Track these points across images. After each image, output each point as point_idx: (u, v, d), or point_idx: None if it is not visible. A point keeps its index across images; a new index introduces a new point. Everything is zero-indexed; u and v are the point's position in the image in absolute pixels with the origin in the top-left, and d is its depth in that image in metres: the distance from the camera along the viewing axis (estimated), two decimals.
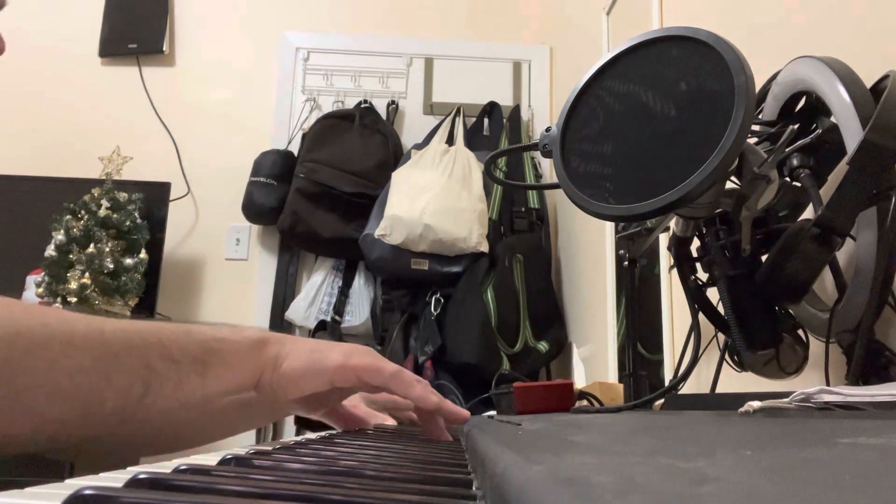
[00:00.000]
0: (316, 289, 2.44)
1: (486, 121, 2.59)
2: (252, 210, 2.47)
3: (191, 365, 0.47)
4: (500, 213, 2.32)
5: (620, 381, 1.59)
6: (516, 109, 2.65)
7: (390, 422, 0.85)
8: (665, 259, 1.45)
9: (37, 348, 0.38)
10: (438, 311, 2.17)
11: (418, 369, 2.11)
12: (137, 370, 0.43)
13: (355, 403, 0.76)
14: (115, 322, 0.44)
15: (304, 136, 2.53)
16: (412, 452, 0.45)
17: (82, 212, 2.13)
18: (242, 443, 0.57)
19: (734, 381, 0.86)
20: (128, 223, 2.16)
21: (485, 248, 2.18)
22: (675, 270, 0.83)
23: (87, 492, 0.21)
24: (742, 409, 0.50)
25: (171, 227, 2.39)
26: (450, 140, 2.47)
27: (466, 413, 0.63)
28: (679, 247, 0.82)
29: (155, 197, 2.35)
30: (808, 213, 0.73)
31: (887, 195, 0.63)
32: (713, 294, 0.79)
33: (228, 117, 2.68)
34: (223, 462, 0.33)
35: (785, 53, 0.80)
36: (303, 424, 0.91)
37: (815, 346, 0.76)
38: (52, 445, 0.40)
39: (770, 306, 0.74)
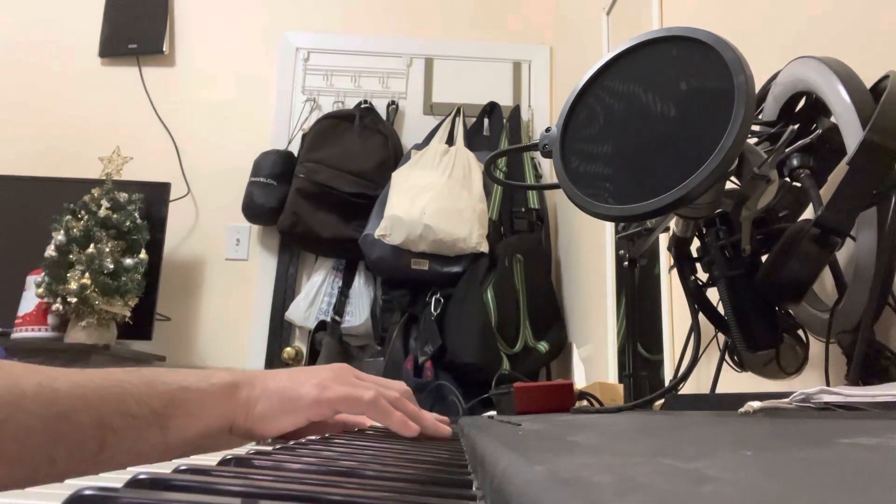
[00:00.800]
0: (316, 289, 2.44)
1: (486, 121, 2.59)
2: (252, 210, 2.47)
3: (151, 418, 0.46)
4: (500, 213, 2.32)
5: (620, 381, 1.59)
6: (516, 109, 2.65)
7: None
8: (665, 259, 1.45)
9: None
10: (438, 311, 2.17)
11: (418, 369, 2.11)
12: (91, 429, 0.41)
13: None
14: (70, 376, 0.42)
15: (304, 136, 2.53)
16: (412, 452, 0.45)
17: (82, 212, 2.13)
18: (242, 442, 0.57)
19: (734, 381, 0.86)
20: (128, 223, 2.16)
21: (485, 248, 2.18)
22: (675, 270, 0.83)
23: (87, 492, 0.21)
24: (742, 410, 0.50)
25: (171, 227, 2.39)
26: (450, 140, 2.47)
27: (447, 430, 0.62)
28: (679, 247, 0.82)
29: (155, 197, 2.35)
30: (808, 213, 0.73)
31: (887, 195, 0.63)
32: (713, 294, 0.79)
33: (228, 117, 2.69)
34: (223, 462, 0.33)
35: (785, 53, 0.80)
36: None
37: (815, 346, 0.76)
38: None
39: (770, 306, 0.74)
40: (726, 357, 0.83)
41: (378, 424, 0.79)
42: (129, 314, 2.13)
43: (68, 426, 0.40)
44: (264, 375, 0.58)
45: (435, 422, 0.61)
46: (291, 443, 0.50)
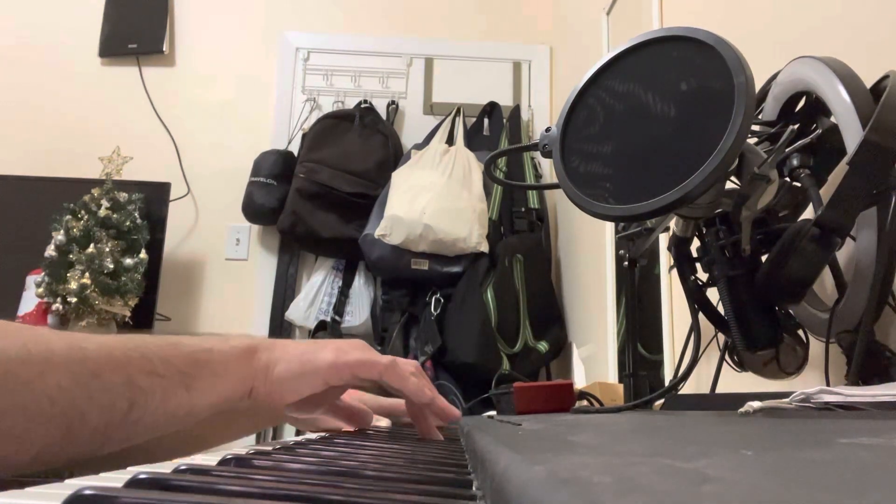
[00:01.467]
0: (316, 289, 2.44)
1: (486, 121, 2.59)
2: (252, 210, 2.47)
3: (176, 378, 0.46)
4: (500, 213, 2.32)
5: (620, 381, 1.59)
6: (516, 109, 2.65)
7: (384, 423, 0.85)
8: (665, 259, 1.45)
9: (14, 370, 0.37)
10: (438, 311, 2.17)
11: None
12: (120, 387, 0.42)
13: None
14: (96, 338, 0.43)
15: (304, 136, 2.53)
16: (412, 452, 0.45)
17: (82, 212, 2.13)
18: (242, 443, 0.57)
19: (734, 381, 0.86)
20: (128, 223, 2.16)
21: (485, 248, 2.18)
22: (675, 270, 0.83)
23: (87, 492, 0.21)
24: (742, 409, 0.50)
25: (171, 227, 2.39)
26: (450, 140, 2.47)
27: (457, 412, 0.63)
28: (679, 247, 0.82)
29: (155, 197, 2.35)
30: (808, 213, 0.73)
31: (887, 195, 0.63)
32: (713, 294, 0.79)
33: (228, 117, 2.69)
34: (223, 462, 0.33)
35: (785, 53, 0.80)
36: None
37: (815, 346, 0.76)
38: (35, 467, 0.39)
39: (770, 306, 0.74)
40: (726, 357, 0.83)
41: (380, 425, 0.79)
42: (129, 314, 2.13)
43: (99, 384, 0.41)
44: (283, 341, 0.58)
45: (445, 402, 0.62)
46: (291, 443, 0.50)
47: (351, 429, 0.69)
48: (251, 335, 0.58)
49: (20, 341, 0.38)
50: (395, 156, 2.49)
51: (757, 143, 0.77)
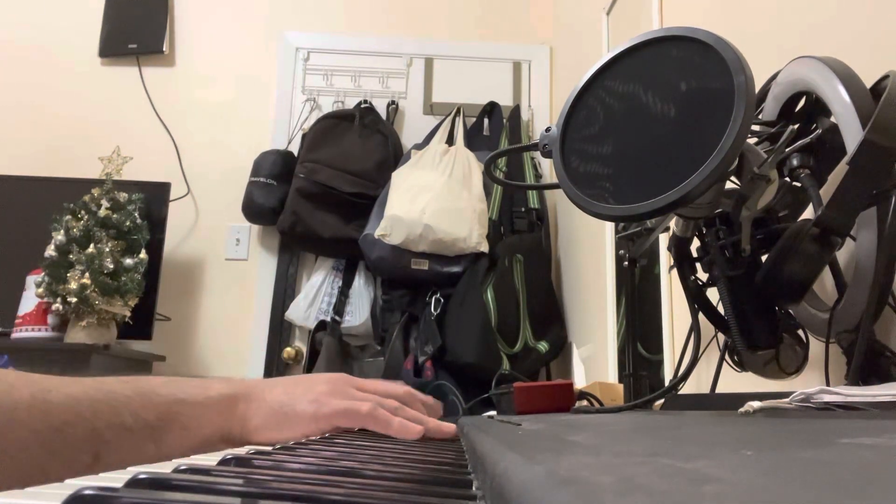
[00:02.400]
0: (316, 289, 2.44)
1: (486, 121, 2.59)
2: (252, 210, 2.47)
3: (145, 432, 0.45)
4: (500, 213, 2.32)
5: (620, 381, 1.59)
6: (516, 109, 2.65)
7: None
8: (665, 259, 1.45)
9: None
10: (438, 311, 2.17)
11: (418, 369, 2.11)
12: (84, 442, 0.41)
13: None
14: (64, 388, 0.41)
15: (304, 136, 2.53)
16: (412, 452, 0.45)
17: (82, 212, 2.13)
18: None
19: (734, 381, 0.86)
20: (128, 223, 2.16)
21: (485, 248, 2.18)
22: (675, 270, 0.83)
23: (87, 492, 0.21)
24: (742, 409, 0.50)
25: (171, 227, 2.39)
26: (450, 140, 2.47)
27: (451, 427, 0.62)
28: (679, 247, 0.82)
29: (155, 197, 2.35)
30: (808, 213, 0.73)
31: (887, 195, 0.63)
32: (713, 294, 0.79)
33: (228, 117, 2.69)
34: (223, 462, 0.33)
35: (785, 53, 0.80)
36: None
37: (815, 346, 0.76)
38: None
39: (770, 306, 0.74)
40: (726, 357, 0.83)
41: None
42: (129, 314, 2.13)
43: (62, 440, 0.40)
44: (262, 387, 0.57)
45: (437, 423, 0.61)
46: (291, 443, 0.50)
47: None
48: (232, 380, 0.56)
49: None
50: (395, 156, 2.49)
51: (757, 143, 0.77)
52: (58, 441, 0.40)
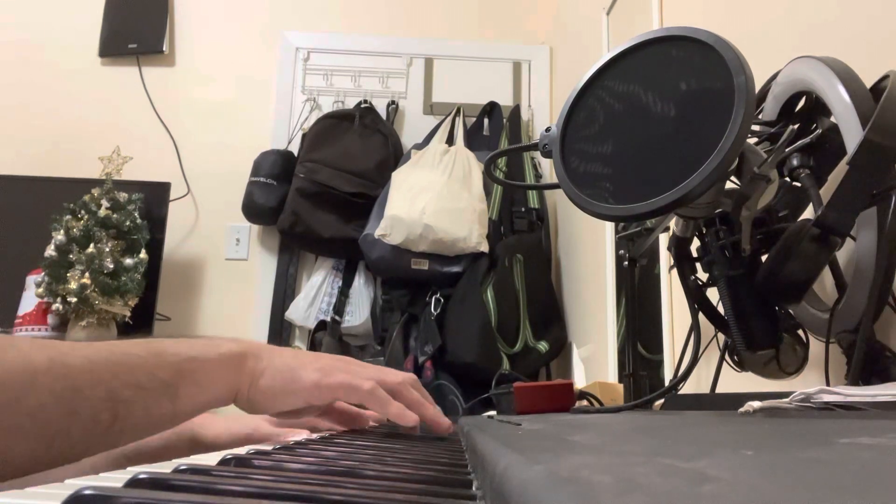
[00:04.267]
0: (316, 289, 2.44)
1: (486, 121, 2.59)
2: (252, 210, 2.47)
3: (160, 389, 0.46)
4: (500, 213, 2.32)
5: (620, 381, 1.59)
6: (516, 109, 2.65)
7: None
8: (665, 259, 1.45)
9: None
10: (438, 311, 2.17)
11: (418, 369, 2.11)
12: (103, 401, 0.42)
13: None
14: (79, 351, 0.42)
15: (304, 136, 2.53)
16: (412, 452, 0.45)
17: (82, 212, 2.13)
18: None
19: (734, 381, 0.86)
20: (128, 223, 2.16)
21: (485, 248, 2.18)
22: (675, 270, 0.83)
23: (87, 492, 0.21)
24: (742, 409, 0.50)
25: (171, 227, 2.39)
26: (450, 140, 2.47)
27: (447, 423, 0.63)
28: (679, 247, 0.82)
29: (155, 197, 2.35)
30: (808, 213, 0.73)
31: (887, 195, 0.63)
32: (713, 294, 0.79)
33: (228, 117, 2.69)
34: (223, 462, 0.33)
35: (785, 53, 0.80)
36: None
37: (815, 346, 0.76)
38: (17, 476, 0.39)
39: (770, 306, 0.74)
40: (726, 357, 0.83)
41: (378, 423, 0.79)
42: (128, 314, 2.13)
43: (81, 400, 0.41)
44: (270, 350, 0.58)
45: (436, 412, 0.62)
46: (291, 443, 0.50)
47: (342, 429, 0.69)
48: (240, 340, 0.57)
49: (1, 358, 0.38)
50: (395, 156, 2.49)
51: (757, 143, 0.77)
52: (78, 402, 0.41)
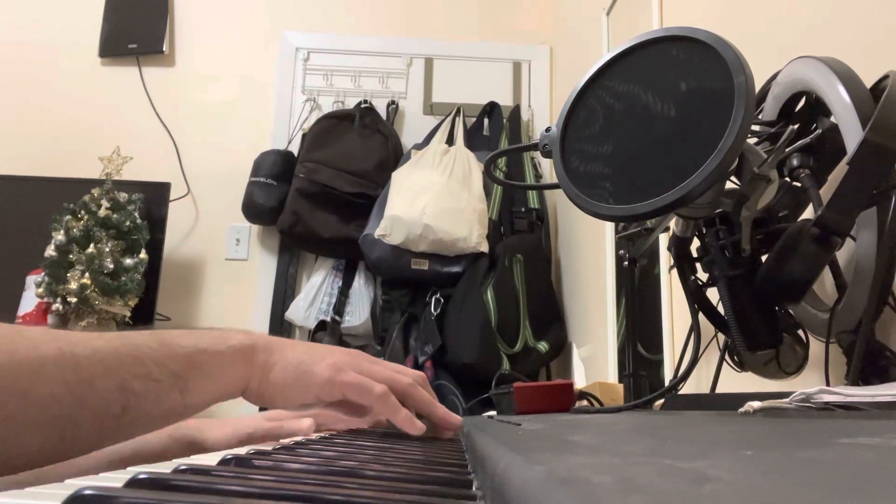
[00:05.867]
0: (316, 289, 2.44)
1: (486, 121, 2.59)
2: (252, 210, 2.47)
3: (171, 381, 0.46)
4: (500, 213, 2.32)
5: (620, 381, 1.59)
6: (516, 109, 2.65)
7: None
8: (665, 259, 1.45)
9: (4, 381, 0.36)
10: (438, 311, 2.17)
11: (418, 369, 2.10)
12: (113, 392, 0.42)
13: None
14: (89, 341, 0.42)
15: (304, 136, 2.53)
16: (412, 452, 0.45)
17: (82, 212, 2.13)
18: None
19: (734, 381, 0.86)
20: (128, 223, 2.16)
21: (485, 248, 2.18)
22: (675, 270, 0.83)
23: (87, 492, 0.21)
24: (742, 409, 0.50)
25: (171, 227, 2.39)
26: (450, 140, 2.47)
27: (458, 421, 0.62)
28: (679, 247, 0.82)
29: (155, 197, 2.35)
30: (808, 213, 0.73)
31: (887, 195, 0.63)
32: (713, 294, 0.79)
33: (228, 117, 2.69)
34: (223, 462, 0.33)
35: (785, 53, 0.80)
36: None
37: (815, 346, 0.76)
38: (28, 469, 0.39)
39: (770, 306, 0.74)
40: (726, 357, 0.83)
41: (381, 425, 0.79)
42: (129, 314, 2.13)
43: (91, 391, 0.40)
44: (282, 343, 0.58)
45: (445, 412, 0.62)
46: (291, 443, 0.50)
47: (345, 421, 0.68)
48: (251, 332, 0.57)
49: (10, 349, 0.37)
50: (395, 156, 2.49)
51: (757, 143, 0.77)
52: (88, 393, 0.40)
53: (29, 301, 2.13)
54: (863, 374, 0.64)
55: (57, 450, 0.39)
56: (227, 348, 0.52)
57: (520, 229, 2.33)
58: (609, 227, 1.79)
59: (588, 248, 2.07)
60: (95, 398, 0.41)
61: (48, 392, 0.38)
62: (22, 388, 0.37)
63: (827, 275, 0.76)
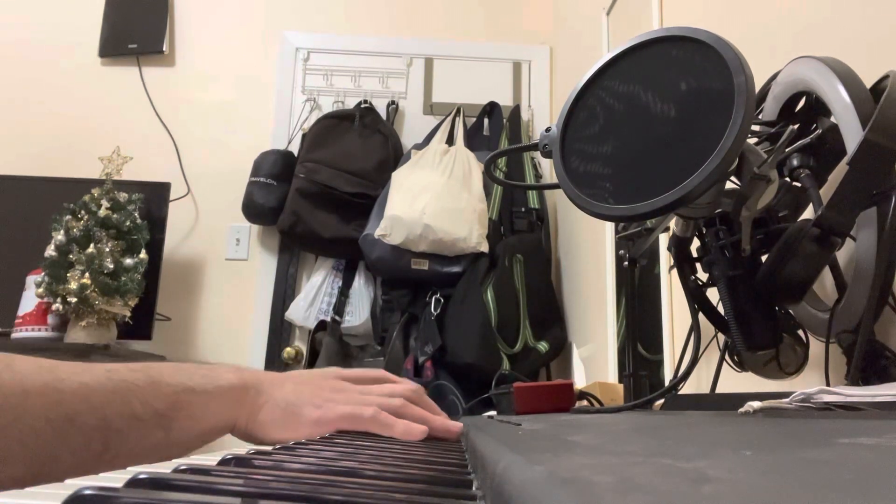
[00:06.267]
0: (316, 289, 2.44)
1: (486, 121, 2.59)
2: (252, 210, 2.47)
3: (155, 420, 0.46)
4: (500, 213, 2.32)
5: (620, 381, 1.59)
6: (516, 109, 2.65)
7: None
8: (665, 259, 1.45)
9: None
10: (438, 311, 2.17)
11: (418, 369, 2.11)
12: (95, 430, 0.41)
13: None
14: (77, 376, 0.42)
15: (304, 136, 2.53)
16: (412, 452, 0.45)
17: (82, 212, 2.13)
18: (242, 442, 0.57)
19: (734, 381, 0.86)
20: (128, 223, 2.16)
21: (485, 248, 2.18)
22: (675, 270, 0.83)
23: (87, 492, 0.21)
24: (742, 409, 0.50)
25: (171, 227, 2.39)
26: (450, 140, 2.47)
27: (457, 427, 0.62)
28: (679, 247, 0.82)
29: (155, 197, 2.35)
30: (808, 213, 0.73)
31: (887, 195, 0.63)
32: (713, 294, 0.79)
33: (228, 117, 2.69)
34: (223, 462, 0.33)
35: (785, 53, 0.80)
36: None
37: (815, 346, 0.76)
38: None
39: (770, 306, 0.74)
40: (726, 357, 0.83)
41: None
42: (129, 314, 2.13)
43: (73, 428, 0.40)
44: (271, 381, 0.57)
45: (443, 421, 0.61)
46: (291, 443, 0.50)
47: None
48: (241, 368, 0.57)
49: None
50: (395, 156, 2.49)
51: (757, 143, 0.77)
52: (70, 430, 0.40)
53: (29, 301, 2.13)
54: (863, 374, 0.64)
55: (32, 481, 0.39)
56: (216, 388, 0.52)
57: (520, 229, 2.33)
58: (609, 227, 1.79)
59: (588, 248, 2.07)
60: (77, 434, 0.40)
61: (30, 427, 0.38)
62: (4, 423, 0.37)
63: (827, 275, 0.76)
